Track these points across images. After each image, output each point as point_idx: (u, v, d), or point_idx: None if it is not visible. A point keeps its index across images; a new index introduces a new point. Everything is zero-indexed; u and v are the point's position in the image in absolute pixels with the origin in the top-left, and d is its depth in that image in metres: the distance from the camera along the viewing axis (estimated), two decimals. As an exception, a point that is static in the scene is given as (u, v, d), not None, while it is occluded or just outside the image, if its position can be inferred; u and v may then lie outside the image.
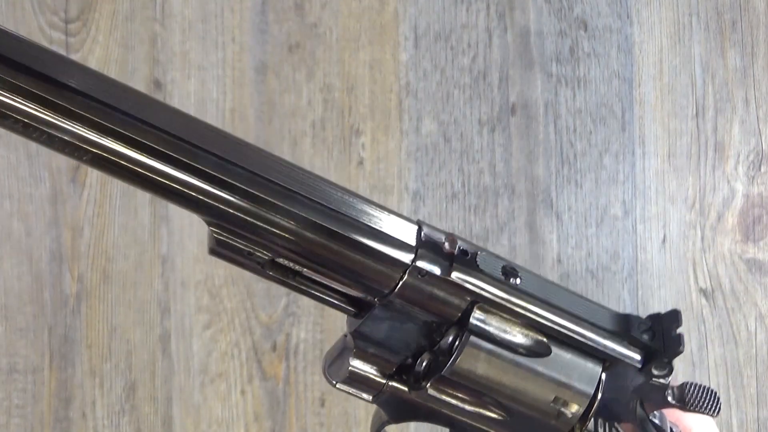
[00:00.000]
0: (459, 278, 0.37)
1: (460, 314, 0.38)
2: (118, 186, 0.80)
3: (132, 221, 0.80)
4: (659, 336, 0.41)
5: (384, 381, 0.39)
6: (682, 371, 0.82)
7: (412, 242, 0.37)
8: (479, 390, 0.39)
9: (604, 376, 0.40)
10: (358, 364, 0.39)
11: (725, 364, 0.82)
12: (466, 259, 0.38)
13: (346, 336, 0.40)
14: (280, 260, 0.37)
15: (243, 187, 0.34)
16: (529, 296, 0.39)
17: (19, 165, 0.80)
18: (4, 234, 0.80)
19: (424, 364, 0.39)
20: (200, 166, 0.34)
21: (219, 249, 0.35)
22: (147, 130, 0.33)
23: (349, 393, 0.39)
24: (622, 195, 0.82)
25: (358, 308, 0.39)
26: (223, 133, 0.35)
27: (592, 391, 0.39)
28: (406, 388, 0.39)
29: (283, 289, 0.81)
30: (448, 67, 0.82)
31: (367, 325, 0.38)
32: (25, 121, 0.36)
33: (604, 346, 0.40)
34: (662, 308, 0.82)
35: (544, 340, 0.39)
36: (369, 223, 0.37)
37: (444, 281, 0.37)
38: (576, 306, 0.40)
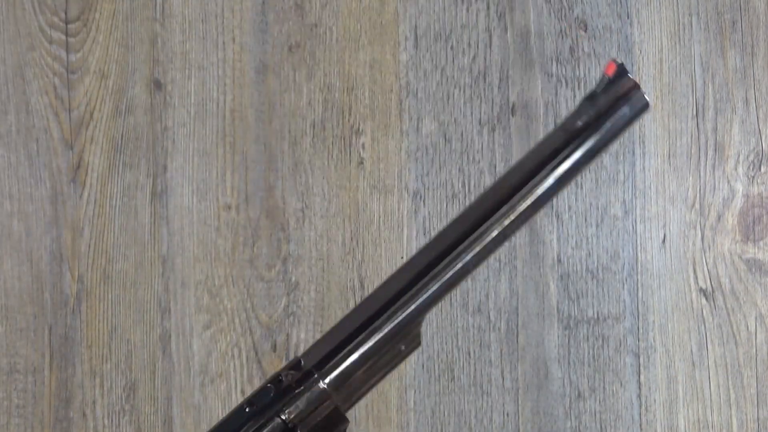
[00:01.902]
0: None
1: None
2: (118, 186, 0.80)
3: (132, 221, 0.80)
4: None
5: None
6: (682, 371, 0.82)
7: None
8: None
9: None
10: None
11: (725, 364, 0.82)
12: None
13: None
14: None
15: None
16: None
17: (19, 165, 0.80)
18: (4, 234, 0.80)
19: None
20: None
21: None
22: None
23: None
24: (622, 195, 0.82)
25: None
26: None
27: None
28: None
29: (283, 289, 0.81)
30: (448, 67, 0.82)
31: None
32: None
33: None
34: (662, 307, 0.82)
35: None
36: None
37: None
38: None
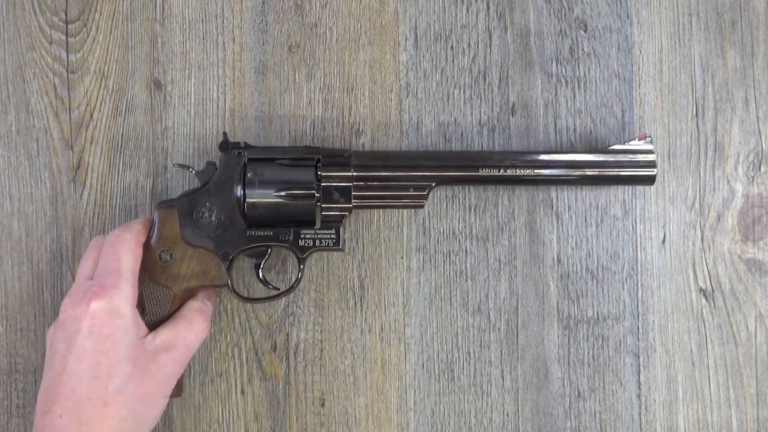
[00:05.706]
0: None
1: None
2: (118, 186, 0.80)
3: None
4: None
5: None
6: (682, 371, 0.82)
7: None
8: None
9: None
10: None
11: (725, 364, 0.82)
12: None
13: None
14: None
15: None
16: None
17: (19, 165, 0.80)
18: (4, 234, 0.80)
19: None
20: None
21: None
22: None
23: None
24: (622, 195, 0.82)
25: None
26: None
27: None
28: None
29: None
30: (448, 67, 0.82)
31: None
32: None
33: None
34: (662, 308, 0.82)
35: None
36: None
37: None
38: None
